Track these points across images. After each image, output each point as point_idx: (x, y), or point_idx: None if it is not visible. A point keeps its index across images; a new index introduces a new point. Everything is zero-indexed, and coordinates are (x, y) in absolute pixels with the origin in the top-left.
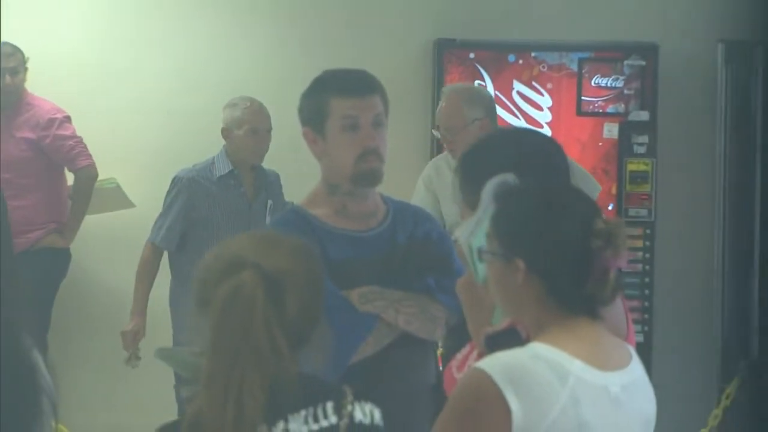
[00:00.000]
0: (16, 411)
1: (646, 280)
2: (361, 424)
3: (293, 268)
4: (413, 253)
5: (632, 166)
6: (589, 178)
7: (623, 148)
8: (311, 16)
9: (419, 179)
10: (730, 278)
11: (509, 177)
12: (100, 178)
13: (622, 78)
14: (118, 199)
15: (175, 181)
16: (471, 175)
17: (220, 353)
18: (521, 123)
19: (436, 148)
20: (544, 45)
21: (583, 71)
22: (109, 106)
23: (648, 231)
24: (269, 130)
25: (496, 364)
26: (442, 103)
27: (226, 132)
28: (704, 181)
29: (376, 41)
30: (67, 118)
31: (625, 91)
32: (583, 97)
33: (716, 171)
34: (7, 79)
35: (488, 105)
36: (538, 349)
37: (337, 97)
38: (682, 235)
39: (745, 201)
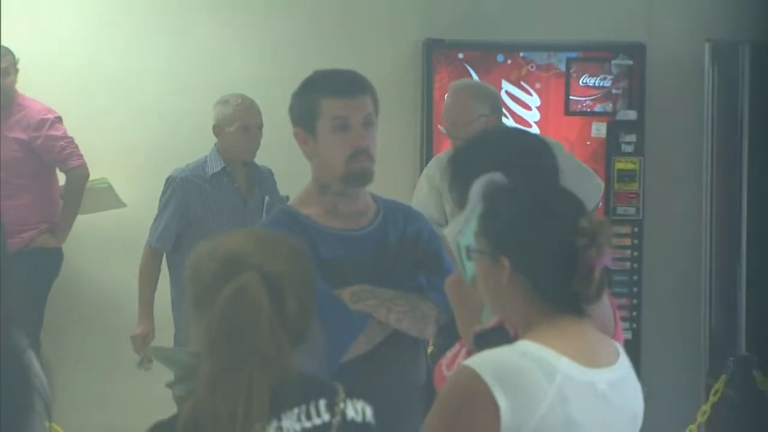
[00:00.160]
0: (8, 411)
1: (635, 277)
2: (353, 422)
3: (291, 268)
4: (404, 251)
5: (620, 165)
6: (591, 176)
7: (611, 146)
8: (301, 17)
9: (421, 176)
10: (717, 276)
11: (497, 176)
12: (91, 178)
13: (609, 77)
14: (109, 199)
15: (169, 181)
16: (460, 174)
17: (225, 356)
18: (510, 122)
19: (426, 147)
20: (532, 45)
21: (571, 71)
22: (100, 107)
23: (636, 229)
24: (260, 126)
25: (485, 362)
26: (448, 99)
27: (217, 129)
28: (691, 180)
29: (366, 41)
30: (59, 119)
31: (613, 91)
32: (571, 97)
33: (703, 169)
34: None
35: (494, 101)
36: (525, 347)
37: (327, 97)
38: (669, 233)
39: (732, 199)
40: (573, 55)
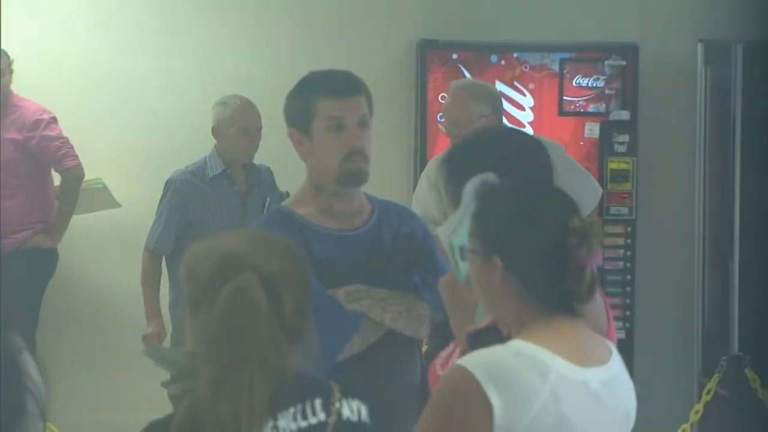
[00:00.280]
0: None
1: (628, 277)
2: (348, 421)
3: (288, 268)
4: (398, 251)
5: (613, 165)
6: (591, 181)
7: (604, 147)
8: (296, 17)
9: (422, 175)
10: (710, 275)
11: (490, 176)
12: (86, 178)
13: (602, 78)
14: (104, 199)
15: (168, 184)
16: (456, 173)
17: (226, 357)
18: (504, 123)
19: (420, 147)
20: (526, 46)
21: (565, 71)
22: (94, 107)
23: (629, 229)
24: (260, 128)
25: (477, 361)
26: (449, 98)
27: (216, 131)
28: (684, 179)
29: (360, 42)
30: (54, 119)
31: (606, 91)
32: (564, 97)
33: (696, 169)
34: None
35: (495, 101)
36: (518, 346)
37: (322, 98)
38: (662, 233)
39: (724, 198)
40: (566, 55)
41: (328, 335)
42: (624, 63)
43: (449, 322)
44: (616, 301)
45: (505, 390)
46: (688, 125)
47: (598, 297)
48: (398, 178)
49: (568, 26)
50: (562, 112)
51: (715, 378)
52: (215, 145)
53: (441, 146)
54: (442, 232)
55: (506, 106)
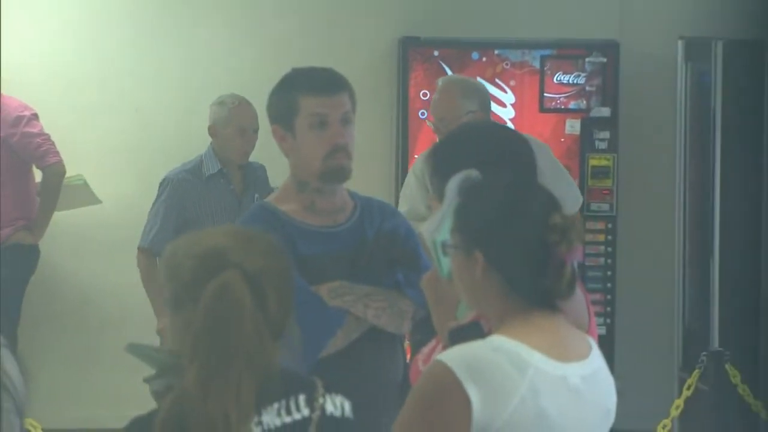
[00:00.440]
0: None
1: (608, 273)
2: (332, 417)
3: (270, 264)
4: (381, 247)
5: (594, 162)
6: (573, 188)
7: (585, 143)
8: (278, 15)
9: (409, 172)
10: (690, 271)
11: (472, 173)
12: (67, 174)
13: (583, 75)
14: (85, 195)
15: (165, 182)
16: (441, 167)
17: (213, 354)
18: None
19: (401, 144)
20: (507, 43)
21: (546, 68)
22: (76, 104)
23: (610, 225)
24: (256, 129)
25: (456, 356)
26: (437, 95)
27: (212, 129)
28: (665, 176)
29: (342, 39)
30: (35, 116)
31: (587, 88)
32: (545, 94)
33: (676, 166)
34: None
35: (482, 98)
36: (497, 341)
37: (305, 95)
38: (643, 229)
39: (704, 195)
40: (547, 52)
41: (311, 331)
42: (605, 60)
43: (431, 319)
44: (597, 297)
45: (483, 385)
46: (669, 122)
47: (580, 293)
48: (380, 174)
49: (549, 23)
50: (543, 109)
51: (696, 373)
52: (211, 144)
53: (422, 143)
54: (425, 230)
55: None
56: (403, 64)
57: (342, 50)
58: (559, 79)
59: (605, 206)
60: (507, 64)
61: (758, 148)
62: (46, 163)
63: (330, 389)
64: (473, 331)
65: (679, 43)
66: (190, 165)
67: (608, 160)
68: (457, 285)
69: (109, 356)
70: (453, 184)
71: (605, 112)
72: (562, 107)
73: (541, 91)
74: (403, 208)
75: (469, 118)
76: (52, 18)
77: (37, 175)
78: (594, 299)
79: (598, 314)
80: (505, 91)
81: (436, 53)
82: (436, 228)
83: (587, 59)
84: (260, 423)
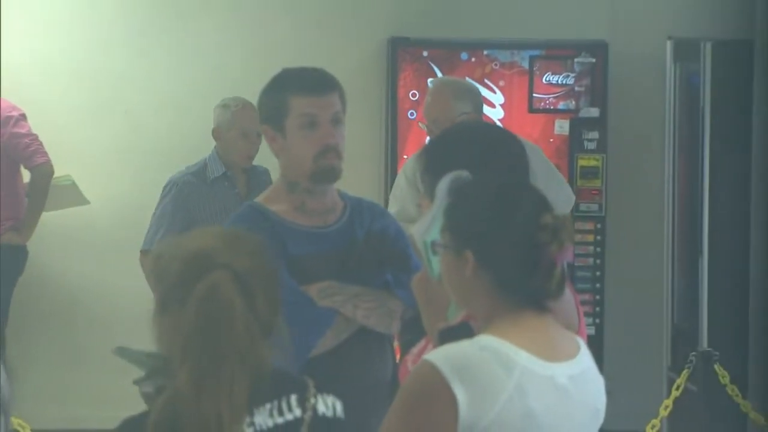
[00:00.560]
0: None
1: (597, 273)
2: (324, 417)
3: (257, 264)
4: (371, 248)
5: (583, 162)
6: (566, 188)
7: (574, 144)
8: (268, 16)
9: (400, 173)
10: (679, 271)
11: (463, 173)
12: (55, 175)
13: (572, 75)
14: (73, 196)
15: (169, 185)
16: (433, 166)
17: (204, 356)
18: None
19: (391, 144)
20: (496, 43)
21: (535, 69)
22: (65, 105)
23: (599, 225)
24: (260, 133)
25: (443, 355)
26: (429, 96)
27: (216, 133)
28: (653, 176)
29: (331, 40)
30: (23, 116)
31: (576, 88)
32: (534, 94)
33: (665, 166)
34: None
35: (475, 99)
36: (485, 340)
37: (296, 95)
38: (632, 230)
39: (693, 195)
40: (536, 53)
41: (301, 331)
42: (594, 60)
43: (421, 319)
44: (586, 297)
45: (470, 384)
46: (658, 122)
47: (569, 294)
48: (369, 174)
49: (538, 24)
50: (532, 109)
51: (685, 373)
52: (215, 147)
53: (412, 143)
54: (415, 230)
55: None
56: (393, 64)
57: (331, 50)
58: (548, 79)
59: (594, 206)
60: (496, 65)
61: (747, 148)
62: (34, 164)
63: (322, 389)
64: (463, 332)
65: (668, 43)
66: (195, 168)
67: (597, 160)
68: (446, 284)
69: (98, 357)
70: (443, 185)
71: (594, 112)
72: (551, 107)
73: (530, 92)
74: (393, 209)
75: (462, 119)
76: (40, 19)
77: (26, 176)
78: (583, 299)
79: (587, 314)
80: (494, 92)
81: (425, 54)
82: (426, 228)
83: (576, 60)
84: (252, 423)
